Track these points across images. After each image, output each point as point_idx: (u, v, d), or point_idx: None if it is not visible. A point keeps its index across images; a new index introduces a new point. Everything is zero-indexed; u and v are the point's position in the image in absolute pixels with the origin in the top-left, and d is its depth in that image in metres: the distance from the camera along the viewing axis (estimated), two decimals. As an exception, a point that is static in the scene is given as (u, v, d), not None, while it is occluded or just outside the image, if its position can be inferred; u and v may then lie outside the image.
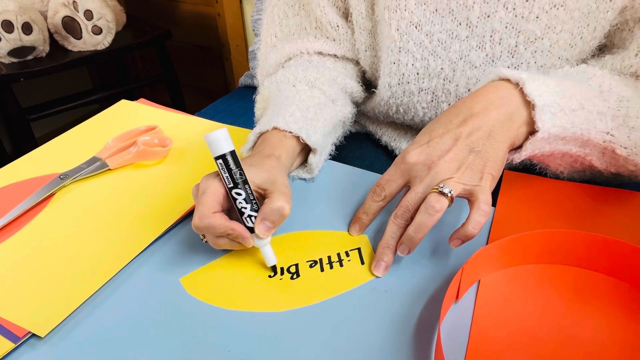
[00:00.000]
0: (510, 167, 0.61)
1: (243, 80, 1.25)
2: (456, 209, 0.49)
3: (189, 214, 0.50)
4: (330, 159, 0.58)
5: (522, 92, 0.43)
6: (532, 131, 0.44)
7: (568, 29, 0.51)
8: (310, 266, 0.44)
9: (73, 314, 0.40)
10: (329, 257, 0.45)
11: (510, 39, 0.53)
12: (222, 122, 0.66)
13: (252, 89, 1.23)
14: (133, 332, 0.38)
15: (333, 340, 0.37)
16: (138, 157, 0.58)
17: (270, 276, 0.43)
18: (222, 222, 0.41)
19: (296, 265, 0.44)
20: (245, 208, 0.42)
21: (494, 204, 0.48)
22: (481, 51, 0.54)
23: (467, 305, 0.39)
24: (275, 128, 0.51)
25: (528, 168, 0.55)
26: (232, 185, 0.42)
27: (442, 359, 0.32)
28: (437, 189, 0.41)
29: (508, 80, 0.45)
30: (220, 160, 0.41)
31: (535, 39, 0.52)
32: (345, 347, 0.37)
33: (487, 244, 0.45)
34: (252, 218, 0.42)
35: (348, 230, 0.47)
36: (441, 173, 0.42)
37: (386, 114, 0.65)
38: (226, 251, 0.46)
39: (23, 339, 0.38)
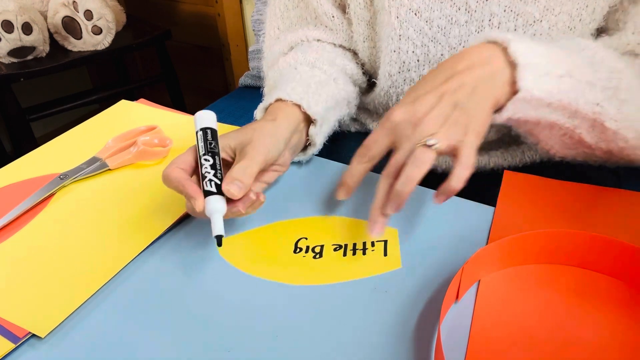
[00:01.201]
0: (511, 167, 0.61)
1: (243, 80, 1.25)
2: (456, 208, 0.49)
3: (188, 215, 0.50)
4: (330, 159, 0.58)
5: (506, 52, 0.43)
6: (515, 91, 0.43)
7: (567, 10, 0.51)
8: (335, 250, 0.45)
9: (73, 314, 0.40)
10: (354, 245, 0.46)
11: (509, 22, 0.53)
12: (222, 122, 0.66)
13: (252, 89, 1.23)
14: (133, 332, 0.38)
15: (333, 340, 0.37)
16: (138, 157, 0.58)
17: (295, 252, 0.45)
18: (179, 175, 0.43)
19: (322, 246, 0.46)
20: (209, 172, 0.44)
21: (494, 204, 0.49)
22: None
23: (467, 305, 0.39)
24: (278, 100, 0.52)
25: (528, 168, 0.55)
26: (203, 152, 0.44)
27: (442, 359, 0.32)
28: (423, 142, 0.41)
29: (495, 42, 0.44)
30: (201, 132, 0.45)
31: (534, 22, 0.52)
32: (345, 347, 0.37)
33: (487, 244, 0.45)
34: (212, 183, 0.43)
35: (336, 195, 0.47)
36: (426, 129, 0.41)
37: (386, 105, 0.65)
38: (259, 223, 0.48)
39: (23, 339, 0.38)
